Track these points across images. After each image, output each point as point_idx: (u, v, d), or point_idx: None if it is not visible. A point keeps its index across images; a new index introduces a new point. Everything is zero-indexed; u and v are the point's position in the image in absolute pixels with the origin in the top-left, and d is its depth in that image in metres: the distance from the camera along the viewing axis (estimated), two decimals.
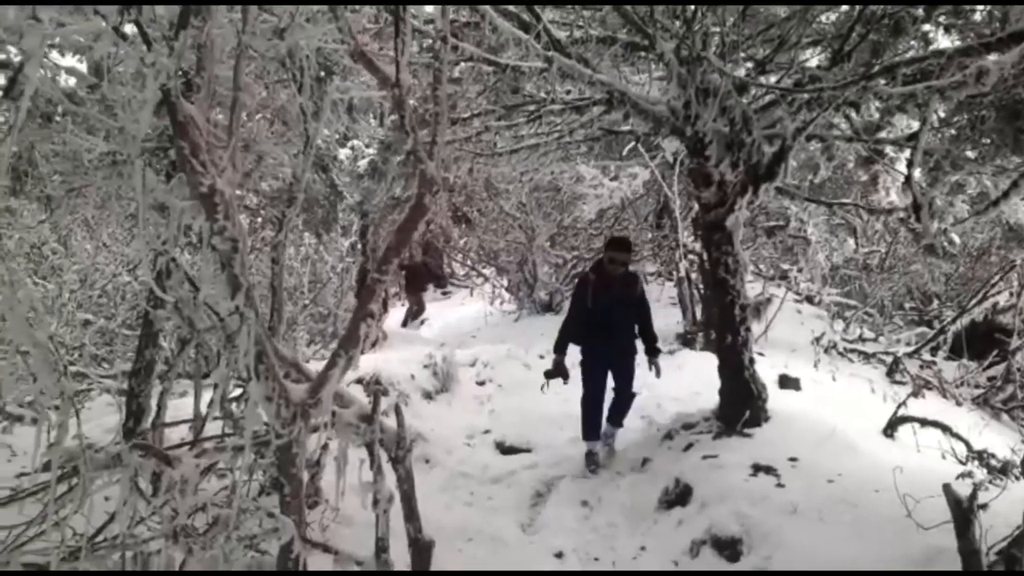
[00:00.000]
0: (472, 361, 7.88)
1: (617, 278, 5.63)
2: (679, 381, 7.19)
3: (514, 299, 11.76)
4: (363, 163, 7.95)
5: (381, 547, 2.85)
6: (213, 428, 4.28)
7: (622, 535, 4.77)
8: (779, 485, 4.55)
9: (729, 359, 5.54)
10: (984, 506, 3.00)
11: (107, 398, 7.04)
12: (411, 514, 3.06)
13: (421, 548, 3.05)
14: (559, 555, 4.52)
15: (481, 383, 7.54)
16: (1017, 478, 4.61)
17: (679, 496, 5.01)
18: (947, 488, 3.04)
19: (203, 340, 4.44)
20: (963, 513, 2.92)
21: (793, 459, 4.81)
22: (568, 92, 6.00)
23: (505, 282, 12.16)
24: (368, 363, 6.87)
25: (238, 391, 4.77)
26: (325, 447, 4.27)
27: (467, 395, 7.25)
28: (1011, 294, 7.89)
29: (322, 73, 4.74)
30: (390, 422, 3.12)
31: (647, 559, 4.45)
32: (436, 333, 11.71)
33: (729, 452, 5.05)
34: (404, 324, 12.55)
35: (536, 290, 11.16)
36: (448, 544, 3.44)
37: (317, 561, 2.84)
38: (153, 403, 4.97)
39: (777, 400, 5.81)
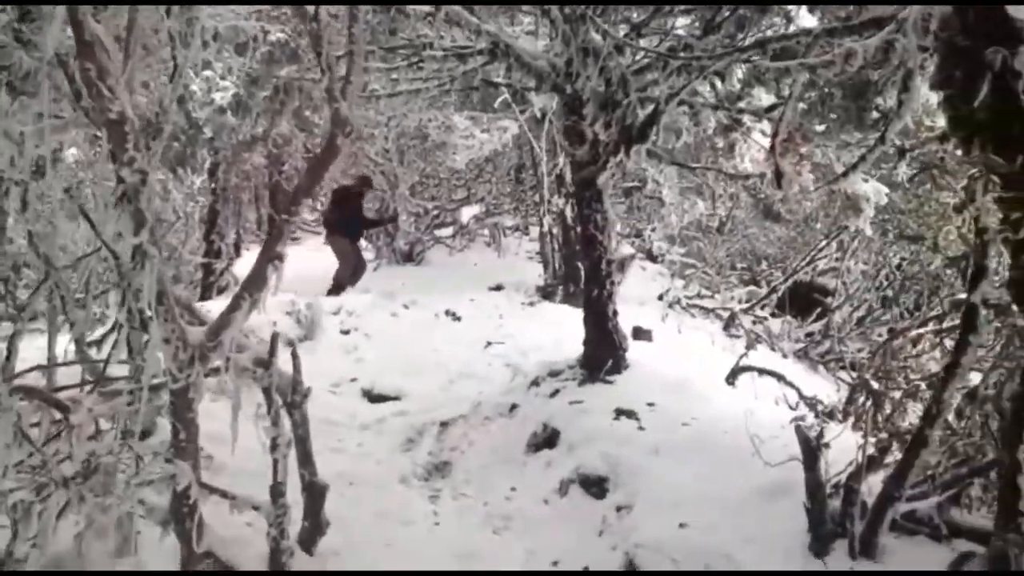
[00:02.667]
0: (336, 309, 7.75)
1: None
2: (542, 331, 7.47)
3: (373, 248, 11.59)
4: (219, 96, 7.47)
5: (278, 492, 2.82)
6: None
7: (494, 476, 4.97)
8: (640, 428, 4.90)
9: (595, 311, 5.83)
10: (828, 444, 3.41)
11: None
12: (306, 459, 3.04)
13: (315, 492, 3.05)
14: (435, 496, 4.65)
15: (346, 332, 7.45)
16: (840, 421, 5.24)
17: (547, 439, 5.27)
18: (798, 428, 3.42)
19: (60, 279, 4.10)
20: (811, 450, 3.31)
21: (651, 404, 5.18)
22: (449, 39, 5.93)
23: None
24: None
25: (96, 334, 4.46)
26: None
27: (332, 343, 7.14)
28: (831, 258, 8.80)
29: None
30: (285, 368, 3.06)
31: (519, 498, 4.67)
32: (289, 280, 11.33)
33: (593, 397, 5.35)
34: (333, 292, 9.53)
35: (396, 239, 11.07)
36: (330, 488, 3.45)
37: (212, 508, 2.77)
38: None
39: (634, 351, 6.20)
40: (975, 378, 4.15)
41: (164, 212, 10.79)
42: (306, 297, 7.45)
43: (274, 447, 2.83)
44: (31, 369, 4.00)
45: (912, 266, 7.07)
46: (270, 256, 2.58)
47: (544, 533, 4.25)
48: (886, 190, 5.86)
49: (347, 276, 9.71)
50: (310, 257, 13.07)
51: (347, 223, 9.69)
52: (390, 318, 7.78)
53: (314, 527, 3.08)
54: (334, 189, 9.76)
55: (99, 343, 4.63)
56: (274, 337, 2.88)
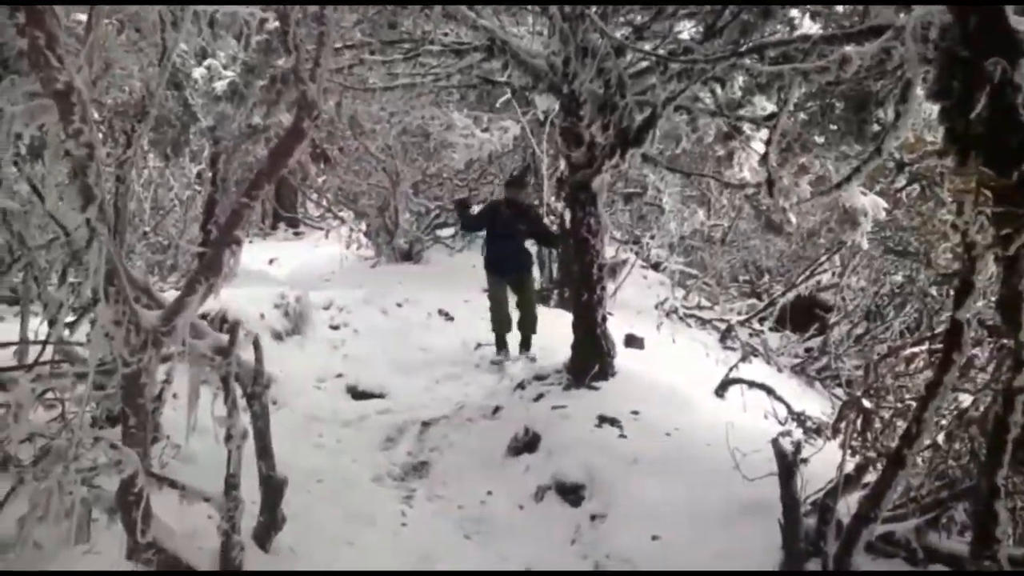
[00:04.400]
0: (327, 304, 7.68)
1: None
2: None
3: (372, 245, 11.52)
4: (220, 84, 7.42)
5: (231, 484, 2.74)
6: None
7: (471, 478, 4.87)
8: (622, 436, 4.80)
9: (584, 315, 5.74)
10: (805, 460, 3.31)
11: None
12: (264, 451, 2.96)
13: (273, 486, 2.97)
14: (409, 496, 4.56)
15: (335, 327, 7.38)
16: (828, 438, 5.12)
17: (527, 444, 5.17)
18: (775, 442, 3.32)
19: (33, 259, 4.03)
20: (787, 466, 3.21)
21: (635, 412, 5.08)
22: (446, 35, 5.87)
23: (364, 227, 11.85)
24: (212, 300, 6.53)
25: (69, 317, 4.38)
26: (167, 382, 4.03)
27: (320, 338, 7.07)
28: (833, 273, 8.68)
29: None
30: (246, 356, 2.98)
31: (493, 502, 4.58)
32: (287, 274, 11.28)
33: (577, 403, 5.26)
34: None
35: (396, 237, 10.98)
36: (297, 485, 3.37)
37: (162, 499, 2.69)
38: None
39: (623, 357, 6.11)
40: (967, 401, 4.05)
41: (162, 200, 10.81)
42: (296, 291, 7.38)
43: (229, 438, 2.75)
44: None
45: (910, 284, 6.95)
46: (227, 240, 2.50)
47: (516, 539, 4.15)
48: (884, 204, 5.75)
49: None
50: (310, 252, 13.06)
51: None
52: (381, 315, 7.70)
53: (270, 522, 3.00)
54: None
55: (72, 325, 4.55)
56: (234, 325, 2.80)
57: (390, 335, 7.34)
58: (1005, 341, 3.46)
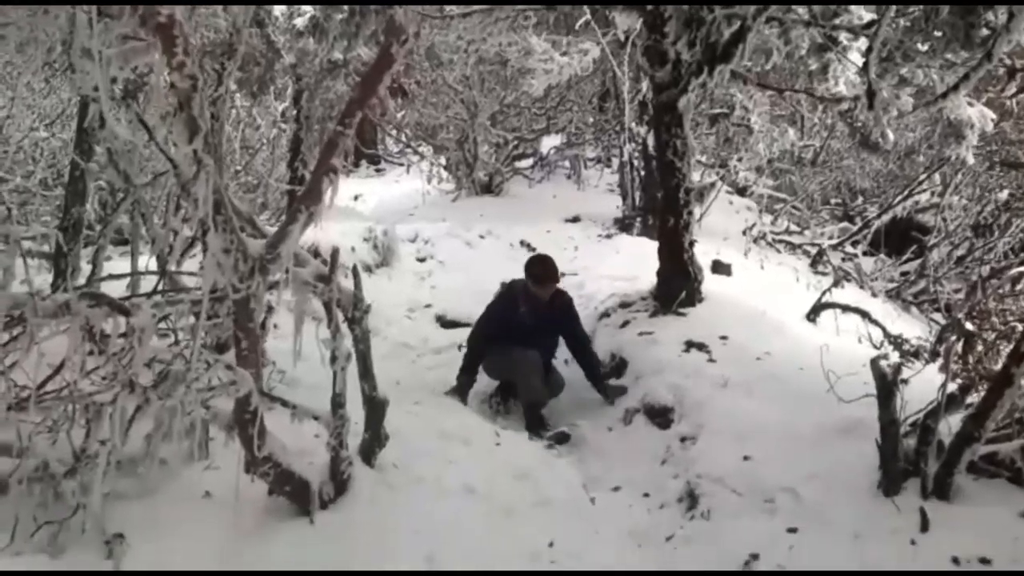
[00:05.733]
0: (413, 237, 7.83)
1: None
2: (617, 263, 7.34)
3: (452, 178, 11.58)
4: (300, 20, 7.49)
5: (338, 402, 2.88)
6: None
7: (560, 404, 4.97)
8: (710, 360, 4.78)
9: (670, 241, 5.67)
10: (905, 381, 3.22)
11: (28, 261, 6.71)
12: (366, 373, 3.09)
13: (376, 405, 3.10)
14: (500, 418, 4.71)
15: (422, 259, 7.53)
16: (927, 361, 4.96)
17: (615, 369, 5.23)
18: (874, 362, 3.24)
19: (140, 196, 4.24)
20: (887, 386, 3.13)
21: (724, 337, 5.04)
22: None
23: (443, 161, 11.91)
24: (307, 234, 6.74)
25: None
26: (270, 310, 4.22)
27: (407, 270, 7.24)
28: (933, 193, 8.24)
29: None
30: (347, 283, 3.09)
31: (584, 425, 4.67)
32: (372, 210, 11.50)
33: (664, 329, 5.25)
34: None
35: (476, 170, 10.99)
36: (396, 406, 3.51)
37: (274, 419, 2.86)
38: (83, 264, 4.77)
39: (710, 284, 6.02)
40: None
41: (250, 140, 11.09)
42: (383, 225, 7.53)
43: (333, 359, 2.88)
44: (106, 278, 4.21)
45: (1018, 200, 6.53)
46: (325, 169, 2.56)
47: (606, 459, 4.25)
48: (993, 116, 5.39)
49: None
50: (392, 188, 13.24)
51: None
52: (465, 247, 7.80)
53: (373, 439, 3.14)
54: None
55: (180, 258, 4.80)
56: (334, 252, 2.89)
57: (474, 266, 7.45)
58: None
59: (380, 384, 3.17)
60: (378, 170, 16.18)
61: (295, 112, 10.03)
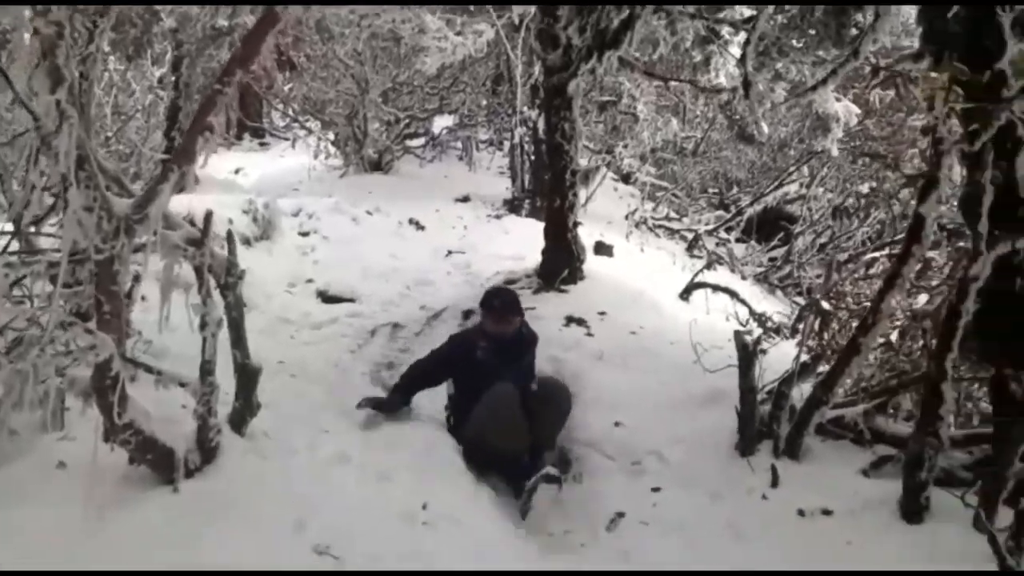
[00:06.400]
0: (296, 211, 7.61)
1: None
2: (506, 243, 7.44)
3: (340, 154, 11.34)
4: None
5: (207, 369, 2.79)
6: None
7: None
8: (589, 334, 4.96)
9: (555, 220, 5.81)
10: (764, 351, 3.45)
11: None
12: (239, 340, 3.01)
13: (248, 373, 3.03)
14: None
15: (304, 234, 7.34)
16: (787, 337, 5.30)
17: None
18: (737, 334, 3.45)
19: None
20: (747, 356, 3.35)
21: (602, 313, 5.23)
22: None
23: (331, 136, 11.63)
24: (181, 203, 6.42)
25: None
26: (137, 279, 4.03)
27: (289, 244, 7.04)
28: (801, 184, 8.78)
29: None
30: (219, 250, 3.00)
31: None
32: (254, 184, 11.10)
33: (546, 305, 5.38)
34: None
35: (365, 147, 10.80)
36: (271, 377, 3.45)
37: (137, 389, 2.74)
38: None
39: (592, 264, 6.22)
40: (922, 302, 4.20)
41: (124, 106, 10.46)
42: (265, 197, 7.30)
43: (203, 325, 2.78)
44: None
45: (875, 194, 7.07)
46: (200, 127, 2.47)
47: None
48: (858, 111, 5.80)
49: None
50: (277, 162, 12.83)
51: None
52: (351, 223, 7.67)
53: (245, 408, 3.07)
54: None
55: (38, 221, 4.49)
56: (208, 214, 2.80)
57: (360, 243, 7.35)
58: (962, 244, 3.57)
59: (254, 355, 3.10)
60: (262, 144, 15.60)
61: (174, 79, 9.55)
